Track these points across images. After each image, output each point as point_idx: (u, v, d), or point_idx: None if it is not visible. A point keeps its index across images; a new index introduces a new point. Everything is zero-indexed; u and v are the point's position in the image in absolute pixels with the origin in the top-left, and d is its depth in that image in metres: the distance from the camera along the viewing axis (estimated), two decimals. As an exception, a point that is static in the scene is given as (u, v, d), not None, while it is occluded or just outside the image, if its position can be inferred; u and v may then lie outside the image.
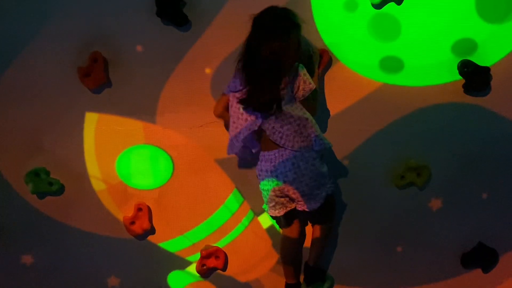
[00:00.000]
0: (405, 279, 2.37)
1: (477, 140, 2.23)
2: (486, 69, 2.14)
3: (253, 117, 1.95)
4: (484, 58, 2.15)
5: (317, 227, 2.19)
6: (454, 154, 2.25)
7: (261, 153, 2.04)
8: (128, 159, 2.26)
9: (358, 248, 2.34)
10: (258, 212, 2.33)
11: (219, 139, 2.23)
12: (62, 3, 2.10)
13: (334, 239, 2.34)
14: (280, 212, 2.08)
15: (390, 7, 2.11)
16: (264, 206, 2.13)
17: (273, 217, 2.22)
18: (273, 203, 2.06)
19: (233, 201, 2.31)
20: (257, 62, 1.87)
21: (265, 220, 2.34)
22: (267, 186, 2.02)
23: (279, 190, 2.01)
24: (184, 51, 2.16)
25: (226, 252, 2.35)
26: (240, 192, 2.30)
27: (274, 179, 1.99)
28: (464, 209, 2.30)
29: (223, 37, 2.14)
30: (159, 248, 2.36)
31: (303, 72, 1.95)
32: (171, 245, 2.36)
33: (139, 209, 2.28)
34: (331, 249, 2.34)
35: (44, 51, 2.14)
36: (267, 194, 2.04)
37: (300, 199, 2.01)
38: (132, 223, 2.29)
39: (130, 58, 2.17)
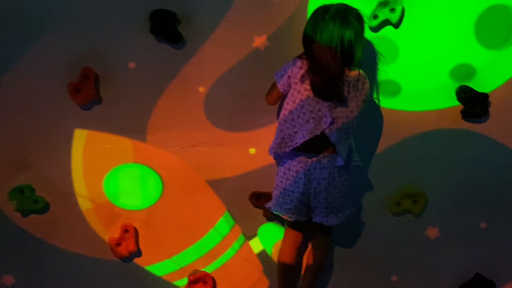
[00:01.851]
0: (400, 310, 2.17)
1: (475, 168, 2.08)
2: (485, 95, 2.01)
3: (317, 120, 1.75)
4: (483, 84, 2.02)
5: (315, 252, 2.02)
6: (452, 181, 2.10)
7: (293, 151, 1.82)
8: (116, 178, 2.09)
9: (353, 276, 2.16)
10: (249, 236, 2.15)
11: (211, 160, 2.07)
12: (54, 18, 1.96)
13: (328, 266, 2.16)
14: (291, 218, 1.91)
15: (388, 30, 1.98)
16: (274, 210, 1.93)
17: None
18: (292, 206, 1.87)
19: (224, 224, 2.13)
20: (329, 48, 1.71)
21: (257, 245, 2.16)
22: (294, 188, 1.84)
23: (306, 195, 1.84)
24: (177, 69, 2.02)
25: (215, 278, 2.16)
26: (231, 215, 2.12)
27: (304, 182, 1.82)
28: (462, 239, 2.14)
29: (217, 56, 1.99)
30: (145, 271, 2.17)
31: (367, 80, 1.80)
32: (158, 268, 2.17)
33: (125, 231, 2.09)
34: (325, 277, 2.16)
35: (35, 66, 2.00)
36: (290, 196, 1.85)
37: (323, 210, 1.85)
38: (118, 244, 2.10)
39: (121, 74, 2.02)
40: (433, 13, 1.97)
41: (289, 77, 1.79)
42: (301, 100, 1.76)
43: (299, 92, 1.77)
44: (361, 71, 1.79)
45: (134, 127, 2.07)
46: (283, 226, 2.06)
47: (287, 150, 1.81)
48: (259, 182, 2.10)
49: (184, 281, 2.16)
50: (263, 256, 2.15)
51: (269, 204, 1.94)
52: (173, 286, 2.20)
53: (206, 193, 2.11)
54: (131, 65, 2.01)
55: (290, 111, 1.79)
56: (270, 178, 2.06)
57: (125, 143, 2.07)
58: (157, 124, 2.07)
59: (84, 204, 2.12)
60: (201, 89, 2.04)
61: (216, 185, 2.11)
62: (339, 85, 1.74)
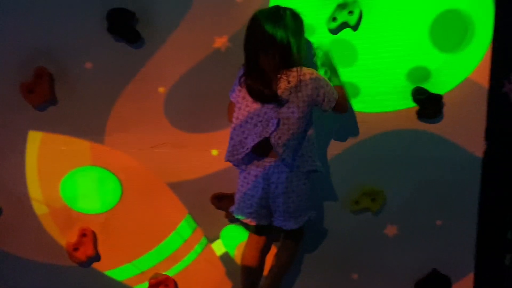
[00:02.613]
0: (360, 308, 2.16)
1: (431, 167, 2.10)
2: (439, 97, 2.02)
3: (264, 123, 1.71)
4: (437, 86, 2.03)
5: (279, 253, 1.98)
6: (409, 180, 2.10)
7: (250, 156, 1.77)
8: (73, 181, 1.99)
9: (314, 276, 2.13)
10: (212, 238, 2.09)
11: (171, 162, 2.00)
12: (6, 15, 1.83)
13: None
14: (252, 222, 1.85)
15: (347, 33, 1.96)
16: (236, 214, 1.88)
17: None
18: (253, 210, 1.82)
19: (185, 227, 2.06)
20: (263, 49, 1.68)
21: (219, 247, 2.10)
22: (253, 192, 1.79)
23: (265, 199, 1.78)
24: (136, 69, 1.93)
25: (177, 281, 2.08)
26: (193, 218, 2.06)
27: (262, 187, 1.77)
28: (419, 236, 2.15)
29: (178, 56, 1.93)
30: (104, 276, 2.07)
31: (325, 83, 1.75)
32: (118, 273, 2.08)
33: (83, 235, 1.99)
34: (286, 277, 2.10)
35: (-15, 65, 1.85)
36: (250, 200, 1.80)
37: (281, 214, 1.80)
38: (76, 249, 2.00)
39: (78, 74, 1.92)
40: (390, 17, 1.97)
41: (239, 89, 1.75)
42: (247, 106, 1.72)
43: (244, 98, 1.73)
44: (306, 70, 1.71)
45: (92, 128, 1.97)
46: (247, 229, 2.01)
47: (240, 157, 1.75)
48: (221, 183, 2.05)
49: (145, 285, 2.08)
50: (225, 258, 2.10)
51: (232, 208, 1.89)
52: (134, 291, 2.10)
53: (167, 196, 2.04)
54: (88, 65, 1.92)
55: (238, 118, 1.75)
56: (232, 179, 2.00)
57: (82, 145, 1.97)
58: (115, 126, 1.98)
59: (39, 208, 2.00)
60: (161, 90, 1.96)
61: (177, 187, 2.04)
62: (272, 86, 1.69)
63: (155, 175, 2.01)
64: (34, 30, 1.85)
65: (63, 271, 2.03)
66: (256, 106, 1.72)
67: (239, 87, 1.75)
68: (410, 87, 2.03)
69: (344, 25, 1.95)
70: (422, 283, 2.18)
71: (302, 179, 1.80)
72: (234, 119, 1.77)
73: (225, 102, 1.94)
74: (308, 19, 1.87)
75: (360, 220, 2.11)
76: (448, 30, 1.99)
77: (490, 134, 2.09)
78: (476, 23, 1.98)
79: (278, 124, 1.72)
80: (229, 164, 1.97)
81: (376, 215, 2.12)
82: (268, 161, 1.77)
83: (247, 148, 1.75)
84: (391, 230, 2.13)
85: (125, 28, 1.87)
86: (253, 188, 1.78)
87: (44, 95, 1.88)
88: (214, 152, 2.01)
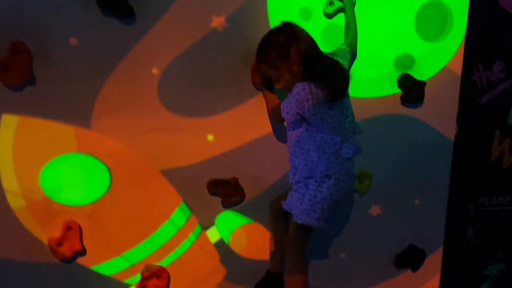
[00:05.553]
0: (348, 285, 2.10)
1: (412, 150, 2.06)
2: (423, 83, 1.99)
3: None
4: (420, 73, 1.99)
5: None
6: (392, 162, 2.05)
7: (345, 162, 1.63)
8: (55, 170, 1.66)
9: (306, 258, 2.01)
10: (206, 225, 1.87)
11: (165, 148, 1.75)
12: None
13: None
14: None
15: (341, 18, 1.84)
16: (306, 222, 1.66)
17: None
18: (330, 216, 1.65)
19: (179, 215, 1.82)
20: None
21: (214, 234, 1.90)
22: (337, 197, 1.64)
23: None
24: (127, 48, 1.65)
25: (169, 271, 1.85)
26: (187, 205, 1.83)
27: (347, 192, 1.65)
28: (399, 215, 2.11)
29: (173, 35, 1.67)
30: (91, 271, 1.78)
31: None
32: (106, 267, 1.80)
33: (69, 228, 1.68)
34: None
35: None
36: (331, 204, 1.63)
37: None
38: (60, 244, 1.68)
39: (61, 51, 1.59)
40: (381, 5, 1.89)
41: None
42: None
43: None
44: None
45: (77, 112, 1.65)
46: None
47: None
48: (217, 169, 1.83)
49: (137, 278, 1.82)
50: (220, 245, 1.90)
51: (300, 219, 1.71)
52: (123, 285, 1.84)
53: (160, 183, 1.78)
54: (73, 41, 1.59)
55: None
56: (228, 165, 1.81)
57: (65, 131, 1.65)
58: (103, 109, 1.68)
59: (15, 201, 1.65)
60: (154, 71, 1.69)
61: (170, 174, 1.79)
62: None
63: (147, 162, 1.75)
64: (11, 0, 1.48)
65: (46, 268, 1.71)
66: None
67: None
68: (396, 73, 1.97)
69: (340, 10, 1.83)
70: (401, 258, 2.15)
71: None
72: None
73: (222, 85, 1.72)
74: (305, 2, 1.74)
75: (348, 202, 2.03)
76: (431, 20, 1.96)
77: (461, 119, 2.10)
78: (454, 15, 1.96)
79: None
80: (225, 149, 1.78)
81: (362, 196, 2.05)
82: (350, 165, 1.65)
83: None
84: (375, 210, 2.08)
85: (116, 1, 1.57)
86: (343, 194, 1.65)
87: (21, 73, 1.53)
88: (210, 137, 1.80)
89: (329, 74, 1.52)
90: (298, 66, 1.53)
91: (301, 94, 1.51)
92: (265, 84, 1.70)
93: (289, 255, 1.72)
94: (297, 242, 1.70)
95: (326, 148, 1.58)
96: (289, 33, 1.53)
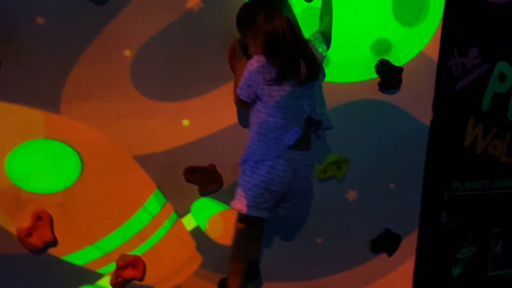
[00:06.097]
0: (324, 269, 2.11)
1: (388, 135, 2.07)
2: (400, 69, 1.99)
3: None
4: (397, 58, 1.99)
5: None
6: (368, 147, 2.06)
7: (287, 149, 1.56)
8: (23, 157, 1.58)
9: (282, 243, 2.01)
10: (182, 213, 1.84)
11: (139, 133, 1.69)
12: None
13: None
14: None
15: (319, 1, 1.81)
16: (250, 213, 1.63)
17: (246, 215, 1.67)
18: (270, 204, 1.61)
19: (154, 203, 1.78)
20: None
21: (190, 222, 1.86)
22: (280, 187, 1.58)
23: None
24: (98, 28, 1.57)
25: (145, 260, 1.80)
26: (162, 192, 1.78)
27: (288, 182, 1.59)
28: (375, 199, 2.12)
29: (147, 15, 1.60)
30: (62, 262, 1.72)
31: None
32: (78, 257, 1.74)
33: (38, 218, 1.61)
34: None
35: None
36: (271, 194, 1.59)
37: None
38: (29, 234, 1.61)
39: (26, 32, 1.50)
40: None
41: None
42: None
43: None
44: None
45: (45, 96, 1.58)
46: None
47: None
48: (192, 156, 1.79)
49: (111, 267, 1.77)
50: (196, 232, 1.87)
51: (241, 208, 1.68)
52: (96, 274, 1.79)
53: (134, 170, 1.73)
54: (39, 20, 1.51)
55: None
56: (204, 151, 1.77)
57: (33, 115, 1.57)
58: (73, 93, 1.61)
59: (-21, 190, 1.56)
60: (127, 53, 1.63)
61: (144, 161, 1.74)
62: None
63: (120, 148, 1.69)
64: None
65: (14, 260, 1.64)
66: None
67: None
68: (373, 58, 1.96)
69: (318, -7, 1.79)
70: (376, 242, 2.17)
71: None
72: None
73: (198, 68, 1.67)
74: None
75: (325, 187, 2.03)
76: (408, 5, 1.96)
77: (437, 104, 2.12)
78: (431, 0, 1.93)
79: None
80: (200, 135, 1.73)
81: (339, 181, 2.05)
82: (296, 154, 1.58)
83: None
84: (351, 195, 2.09)
85: (86, -22, 1.49)
86: (280, 183, 1.57)
87: (-17, 54, 1.44)
88: (185, 122, 1.75)
89: (283, 56, 1.48)
90: (261, 38, 1.48)
91: (254, 66, 1.49)
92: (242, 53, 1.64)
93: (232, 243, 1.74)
94: (236, 231, 1.73)
95: (269, 131, 1.53)
96: (272, 4, 1.51)
